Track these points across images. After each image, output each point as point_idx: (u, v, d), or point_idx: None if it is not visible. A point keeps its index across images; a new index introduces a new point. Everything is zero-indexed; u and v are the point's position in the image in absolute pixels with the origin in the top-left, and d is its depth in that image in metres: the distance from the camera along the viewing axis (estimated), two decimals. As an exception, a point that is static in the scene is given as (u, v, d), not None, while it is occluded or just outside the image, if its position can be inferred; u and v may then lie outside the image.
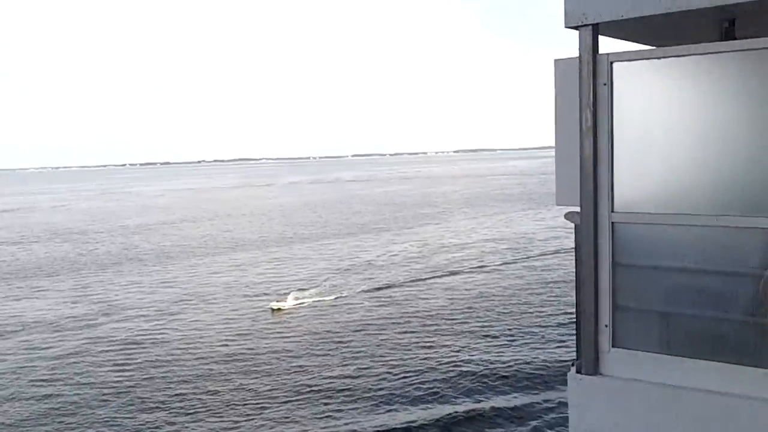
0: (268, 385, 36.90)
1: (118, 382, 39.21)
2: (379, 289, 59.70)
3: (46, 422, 33.74)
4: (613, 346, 6.35)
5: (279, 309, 52.48)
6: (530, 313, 50.20)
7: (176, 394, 36.38)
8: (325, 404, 34.25)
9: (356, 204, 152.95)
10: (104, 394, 37.13)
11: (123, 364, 42.49)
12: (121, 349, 45.69)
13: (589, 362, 6.34)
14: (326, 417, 33.04)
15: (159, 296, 61.95)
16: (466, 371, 38.48)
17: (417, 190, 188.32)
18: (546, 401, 34.07)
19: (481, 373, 38.23)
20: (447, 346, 43.13)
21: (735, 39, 5.82)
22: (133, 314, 55.49)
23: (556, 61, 6.36)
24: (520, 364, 39.44)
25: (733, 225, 5.67)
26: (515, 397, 34.99)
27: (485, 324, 47.68)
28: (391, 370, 38.71)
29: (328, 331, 47.01)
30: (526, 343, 43.20)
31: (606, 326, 6.30)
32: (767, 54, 5.34)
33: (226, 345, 44.98)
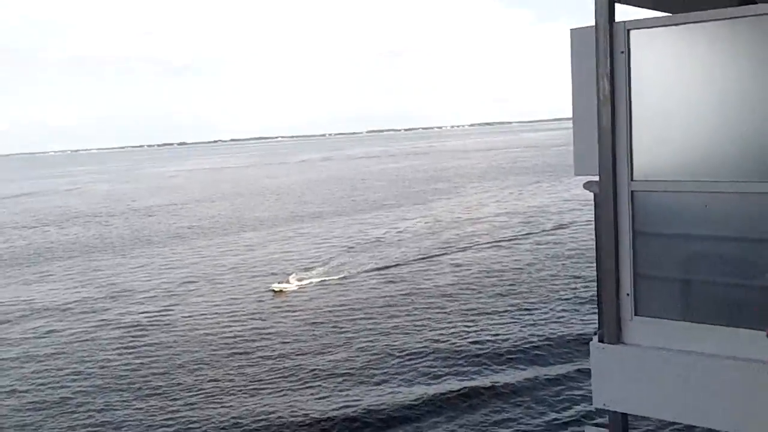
0: (267, 367, 36.31)
1: (123, 365, 38.89)
2: (387, 267, 58.71)
3: (53, 404, 33.42)
4: (635, 315, 6.29)
5: (281, 291, 51.72)
6: (546, 287, 49.27)
7: (177, 377, 35.99)
8: (327, 385, 33.65)
9: (368, 180, 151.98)
10: (109, 377, 36.84)
11: (128, 347, 42.16)
12: (125, 333, 45.34)
13: (611, 331, 6.33)
14: (328, 397, 32.49)
15: (166, 278, 61.48)
16: (483, 346, 37.91)
17: (430, 165, 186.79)
18: (568, 372, 33.59)
19: (500, 347, 37.70)
20: (459, 322, 42.32)
21: (753, 3, 5.70)
22: (140, 297, 55.09)
23: (572, 30, 6.29)
24: (540, 337, 38.89)
25: (753, 191, 5.60)
26: (537, 369, 34.48)
27: (499, 299, 46.79)
28: (397, 349, 37.94)
29: (330, 312, 46.27)
30: (544, 317, 42.46)
31: (627, 295, 6.27)
32: None
33: (228, 327, 44.43)
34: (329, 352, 38.32)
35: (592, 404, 6.54)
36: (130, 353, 40.92)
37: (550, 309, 43.99)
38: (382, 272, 56.97)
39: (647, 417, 6.58)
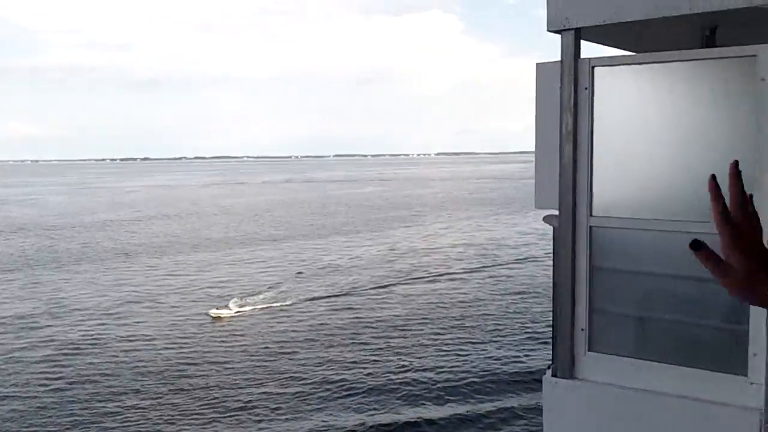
0: (193, 396, 34.75)
1: (46, 388, 36.95)
2: (335, 295, 57.51)
3: None
4: (589, 350, 6.28)
5: (218, 317, 50.09)
6: (498, 321, 48.49)
7: (101, 403, 34.30)
8: (251, 417, 32.32)
9: (329, 205, 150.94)
10: (30, 401, 35.01)
11: (56, 368, 40.21)
12: (56, 351, 43.47)
13: (564, 366, 6.31)
14: (251, 429, 31.17)
15: (108, 296, 59.56)
16: (430, 380, 36.81)
17: (393, 192, 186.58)
18: (518, 406, 32.83)
19: (446, 381, 36.62)
20: (404, 354, 41.29)
21: (716, 47, 5.86)
22: (78, 315, 53.18)
23: (538, 65, 6.36)
24: (490, 371, 37.99)
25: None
26: (485, 404, 33.61)
27: (449, 332, 45.88)
28: (334, 382, 36.74)
29: (268, 339, 44.88)
30: (495, 351, 41.55)
31: (582, 330, 6.26)
32: (747, 62, 5.35)
33: (160, 352, 42.77)
34: (259, 382, 36.88)
35: (542, 438, 6.44)
36: (56, 376, 39.05)
37: (502, 343, 43.25)
38: (329, 300, 55.81)
39: None
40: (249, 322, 49.34)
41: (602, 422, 6.15)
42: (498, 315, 50.20)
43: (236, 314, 50.87)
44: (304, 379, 37.31)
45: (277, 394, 35.20)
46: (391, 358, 40.72)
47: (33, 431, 31.38)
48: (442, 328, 46.94)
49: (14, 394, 36.33)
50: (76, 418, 32.69)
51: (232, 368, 39.33)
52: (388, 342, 43.88)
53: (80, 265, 77.02)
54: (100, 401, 34.70)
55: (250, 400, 34.27)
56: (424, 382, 36.59)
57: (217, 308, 51.14)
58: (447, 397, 34.78)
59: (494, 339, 44.31)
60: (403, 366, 39.21)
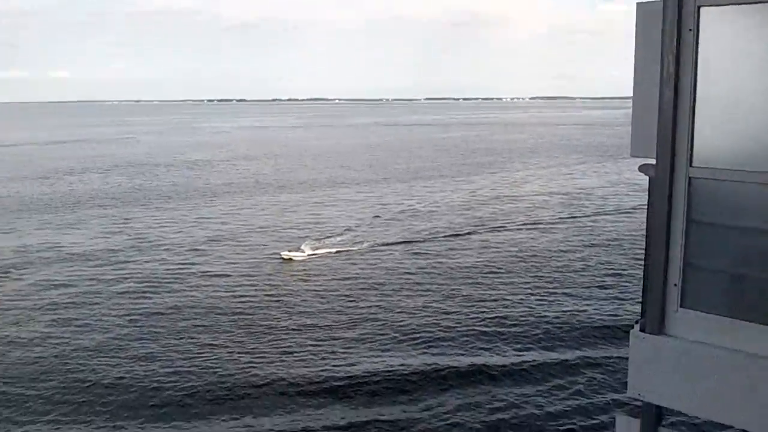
0: (262, 338, 35.20)
1: (129, 318, 38.45)
2: (411, 241, 56.93)
3: (63, 348, 33.27)
4: (681, 306, 6.07)
5: (290, 259, 50.43)
6: (581, 273, 47.26)
7: (175, 339, 35.28)
8: (309, 353, 32.30)
9: (415, 149, 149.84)
10: (110, 331, 36.40)
11: (138, 300, 41.80)
12: (140, 286, 44.99)
13: (654, 321, 6.16)
14: (313, 362, 31.26)
15: (191, 234, 61.03)
16: (506, 329, 36.48)
17: (481, 137, 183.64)
18: (601, 357, 32.44)
19: (525, 330, 36.25)
20: (481, 303, 40.74)
21: None
22: (162, 251, 54.77)
23: (638, 4, 6.06)
24: (570, 323, 37.43)
25: None
26: (565, 353, 33.24)
27: (529, 283, 44.94)
28: (403, 327, 36.49)
29: (337, 284, 44.91)
30: (576, 303, 40.74)
31: (675, 285, 6.07)
32: None
33: (235, 290, 43.54)
34: (324, 324, 37.12)
35: (626, 392, 6.37)
36: (136, 308, 40.52)
37: (584, 296, 42.18)
38: (404, 246, 55.32)
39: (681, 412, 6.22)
40: (319, 265, 49.49)
41: (690, 380, 5.97)
42: (581, 267, 48.68)
43: (308, 257, 51.12)
44: (371, 322, 37.26)
45: (341, 338, 35.26)
46: (464, 306, 40.14)
47: (108, 361, 32.53)
48: (521, 279, 45.90)
49: (95, 324, 37.88)
50: (149, 350, 33.77)
51: (299, 310, 39.68)
52: (462, 291, 43.21)
53: (168, 202, 79.21)
54: (171, 336, 35.75)
55: (312, 343, 34.50)
56: (501, 332, 36.04)
57: (289, 250, 51.44)
58: (527, 346, 34.32)
59: (577, 291, 43.08)
60: (477, 315, 38.60)
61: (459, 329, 36.39)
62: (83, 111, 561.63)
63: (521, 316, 38.43)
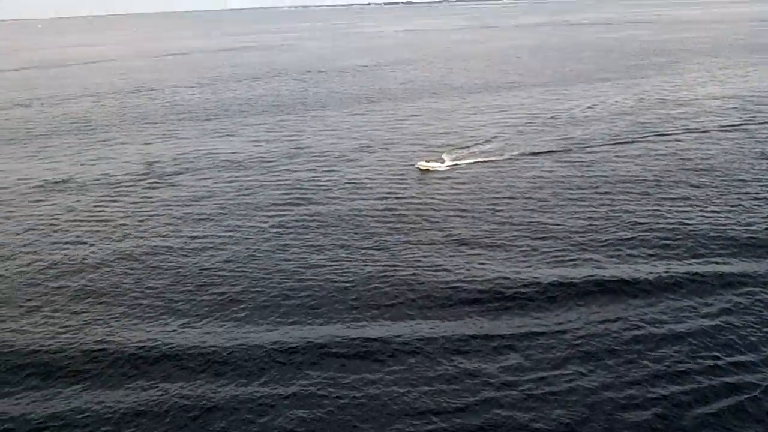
0: (394, 254, 34.44)
1: (272, 225, 39.18)
2: (562, 150, 53.50)
3: (205, 255, 34.52)
4: None
5: (427, 170, 48.74)
6: (747, 184, 42.84)
7: (313, 253, 35.44)
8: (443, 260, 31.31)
9: (580, 49, 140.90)
10: (257, 237, 37.28)
11: (284, 208, 42.39)
12: (287, 194, 45.59)
13: None
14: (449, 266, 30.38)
15: (342, 142, 60.93)
16: (662, 236, 34.33)
17: (653, 36, 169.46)
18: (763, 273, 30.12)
19: (680, 240, 34.04)
20: (634, 213, 38.05)
21: None
22: (312, 158, 55.09)
23: None
24: (737, 230, 35.03)
25: None
26: (722, 265, 31.08)
27: (686, 196, 41.22)
28: (550, 238, 34.45)
29: (471, 197, 42.97)
30: (742, 215, 37.29)
31: None
32: None
33: (374, 203, 42.80)
34: (449, 238, 35.66)
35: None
36: (280, 217, 41.03)
37: (754, 209, 38.35)
38: (556, 155, 52.09)
39: None
40: (459, 176, 47.67)
41: None
42: (751, 178, 43.88)
43: (445, 169, 49.27)
44: (506, 234, 35.53)
45: (469, 254, 33.83)
46: (614, 214, 37.47)
47: (244, 271, 33.19)
48: (681, 190, 42.09)
49: (241, 231, 38.82)
50: (287, 263, 34.09)
51: (431, 223, 38.56)
52: (614, 202, 40.21)
53: (324, 110, 79.55)
54: (310, 249, 35.78)
55: (450, 254, 33.50)
56: (661, 243, 33.68)
57: (427, 161, 49.74)
58: (682, 257, 32.27)
59: (742, 203, 39.03)
60: (630, 225, 35.97)
61: (612, 241, 34.22)
62: (253, 17, 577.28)
63: (681, 227, 35.63)
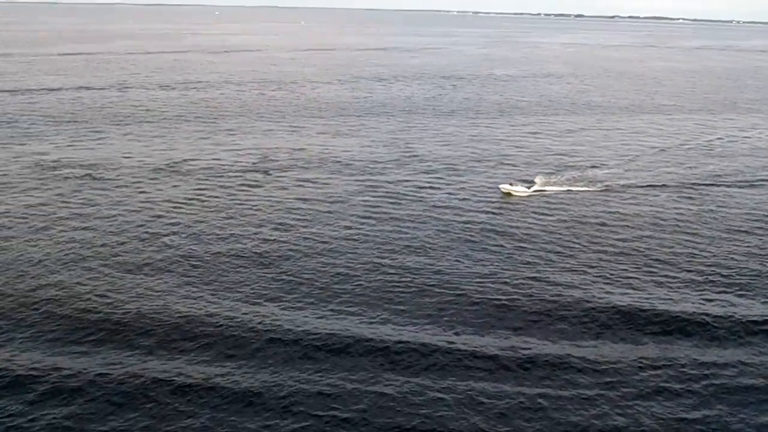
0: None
1: (360, 230, 38.52)
2: (682, 184, 48.54)
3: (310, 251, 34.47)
4: None
5: (509, 193, 45.38)
6: None
7: (391, 257, 34.24)
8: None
9: (741, 77, 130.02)
10: (345, 238, 36.72)
11: (375, 213, 41.86)
12: (380, 199, 44.64)
13: None
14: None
15: (452, 153, 58.83)
16: None
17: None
18: None
19: None
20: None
21: None
22: (419, 166, 53.55)
23: None
24: None
25: None
26: None
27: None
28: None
29: (541, 224, 39.78)
30: None
31: None
32: None
33: (455, 218, 41.10)
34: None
35: None
36: (371, 220, 40.47)
37: None
38: (667, 189, 47.37)
39: None
40: (538, 203, 44.07)
41: None
42: None
43: (532, 193, 45.75)
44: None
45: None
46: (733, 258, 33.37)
47: (329, 266, 32.30)
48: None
49: (336, 229, 38.62)
50: (369, 262, 33.70)
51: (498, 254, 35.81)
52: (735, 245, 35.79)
53: (449, 117, 77.29)
54: (391, 253, 35.01)
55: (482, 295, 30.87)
56: None
57: (510, 183, 46.28)
58: None
59: None
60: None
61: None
62: (417, 20, 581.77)
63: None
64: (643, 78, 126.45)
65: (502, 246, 36.31)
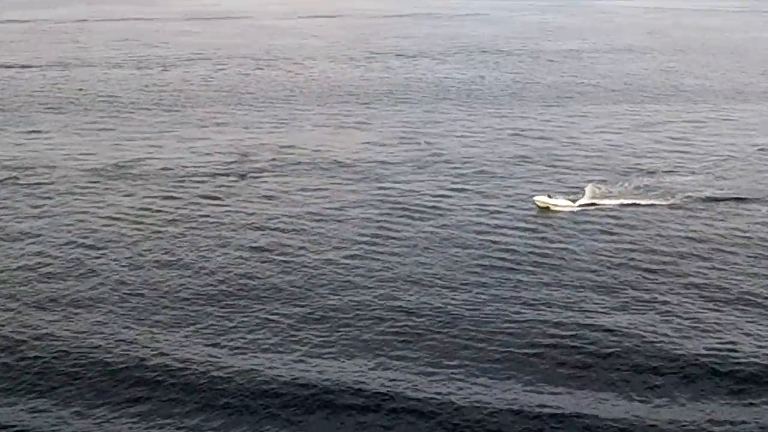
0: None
1: (373, 243, 40.79)
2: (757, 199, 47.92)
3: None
4: None
5: (546, 207, 45.30)
6: None
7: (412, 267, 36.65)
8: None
9: None
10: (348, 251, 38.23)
11: (387, 224, 43.55)
12: (393, 207, 46.19)
13: None
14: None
15: (491, 150, 59.33)
16: None
17: None
18: None
19: None
20: None
21: None
22: (444, 168, 54.33)
23: None
24: None
25: None
26: None
27: None
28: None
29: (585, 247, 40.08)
30: None
31: None
32: None
33: (484, 236, 41.80)
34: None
35: None
36: (374, 240, 41.55)
37: None
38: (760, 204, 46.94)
39: None
40: (584, 220, 43.95)
41: None
42: None
43: (577, 207, 45.59)
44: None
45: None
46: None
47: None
48: None
49: (326, 255, 39.43)
50: (366, 301, 34.38)
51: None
52: None
53: (490, 105, 76.94)
54: (393, 290, 35.63)
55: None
56: None
57: (549, 195, 46.00)
58: None
59: None
60: None
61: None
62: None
63: None
64: (748, 54, 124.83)
65: (534, 275, 36.51)
